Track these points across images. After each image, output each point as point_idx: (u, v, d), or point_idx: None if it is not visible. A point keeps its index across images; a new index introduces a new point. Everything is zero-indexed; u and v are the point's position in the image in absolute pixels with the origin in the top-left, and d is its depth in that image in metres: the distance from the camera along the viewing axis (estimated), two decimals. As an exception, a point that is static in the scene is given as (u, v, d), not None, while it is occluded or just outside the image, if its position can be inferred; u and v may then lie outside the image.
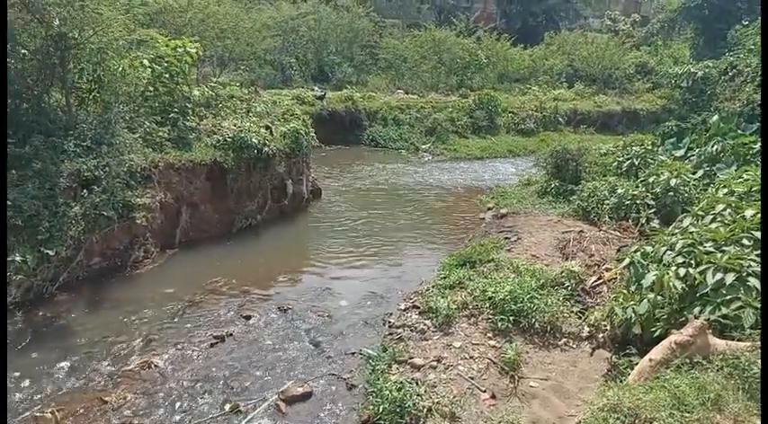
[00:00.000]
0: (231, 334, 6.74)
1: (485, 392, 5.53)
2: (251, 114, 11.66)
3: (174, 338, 6.63)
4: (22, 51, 7.97)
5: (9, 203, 6.76)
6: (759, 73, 14.26)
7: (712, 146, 11.56)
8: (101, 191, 7.64)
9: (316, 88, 20.88)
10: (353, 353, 6.50)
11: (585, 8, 44.06)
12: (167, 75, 9.92)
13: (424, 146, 19.36)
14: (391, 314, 7.38)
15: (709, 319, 5.04)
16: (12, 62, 7.92)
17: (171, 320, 7.05)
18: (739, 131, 12.14)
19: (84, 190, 7.58)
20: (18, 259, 6.60)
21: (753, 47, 15.08)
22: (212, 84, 12.07)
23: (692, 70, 17.56)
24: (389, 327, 7.04)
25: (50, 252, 6.97)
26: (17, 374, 5.76)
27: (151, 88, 9.69)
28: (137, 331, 6.75)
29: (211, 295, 7.76)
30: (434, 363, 6.04)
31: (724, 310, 5.10)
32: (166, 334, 6.72)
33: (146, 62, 9.42)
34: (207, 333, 6.73)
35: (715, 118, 13.19)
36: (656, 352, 4.77)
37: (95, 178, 7.68)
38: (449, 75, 26.27)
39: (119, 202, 7.90)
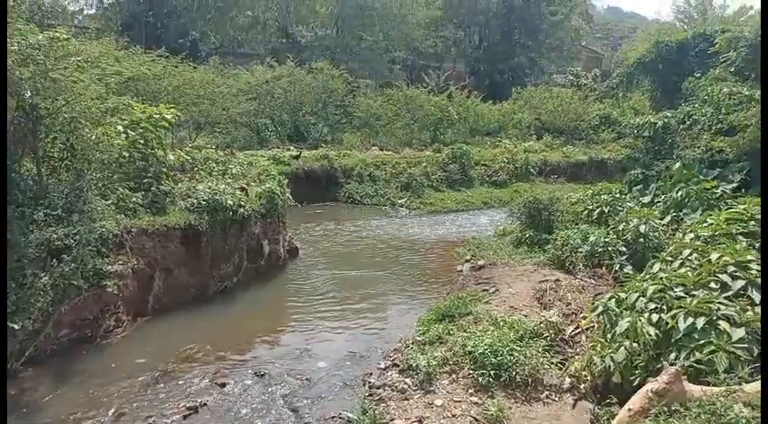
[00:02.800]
0: (205, 404, 6.50)
1: (468, 452, 5.39)
2: (226, 176, 11.75)
3: (145, 411, 6.36)
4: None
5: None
6: (714, 122, 15.00)
7: (677, 192, 11.95)
8: (71, 260, 7.49)
9: (292, 148, 21.24)
10: (333, 417, 6.31)
11: (549, 65, 46.28)
12: (142, 141, 10.00)
13: (400, 201, 19.60)
14: (371, 374, 7.23)
15: (683, 365, 5.07)
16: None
17: (142, 392, 6.79)
18: (701, 177, 12.60)
19: (54, 260, 7.42)
20: (-19, 334, 6.36)
21: (706, 97, 15.92)
22: (188, 149, 12.19)
23: (651, 120, 18.35)
24: (369, 388, 6.89)
25: (16, 326, 6.71)
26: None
27: (126, 154, 9.73)
28: (106, 405, 6.46)
29: (185, 364, 7.52)
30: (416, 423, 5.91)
31: (698, 355, 5.14)
32: (138, 407, 6.44)
33: (120, 128, 9.49)
34: (180, 404, 6.47)
35: (677, 165, 13.69)
36: (634, 401, 4.75)
37: (66, 247, 7.54)
38: (422, 131, 27.02)
39: (89, 270, 7.73)
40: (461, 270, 11.83)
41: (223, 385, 6.93)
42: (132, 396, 6.67)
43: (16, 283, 6.95)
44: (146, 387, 6.88)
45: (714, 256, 6.49)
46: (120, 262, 8.28)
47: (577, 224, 12.07)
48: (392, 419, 6.01)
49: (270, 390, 6.89)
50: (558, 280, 9.71)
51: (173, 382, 7.03)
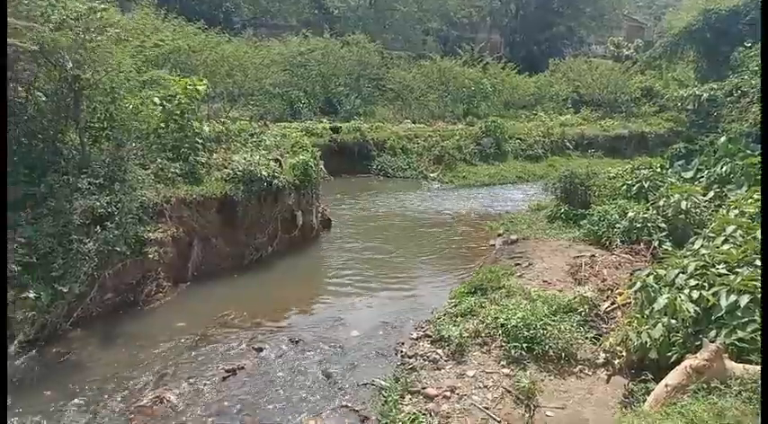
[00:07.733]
0: (243, 367, 6.71)
1: (500, 422, 5.44)
2: (261, 148, 11.85)
3: (186, 372, 6.62)
4: (37, 94, 8.22)
5: (24, 241, 6.88)
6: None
7: (721, 167, 11.53)
8: (114, 227, 7.75)
9: (324, 120, 21.26)
10: (366, 384, 6.44)
11: (589, 35, 44.67)
12: (178, 113, 10.16)
13: (432, 175, 19.47)
14: (403, 344, 7.32)
15: (725, 342, 4.96)
16: (29, 105, 8.17)
17: (183, 354, 7.04)
18: (748, 152, 12.08)
19: (98, 227, 7.68)
20: (32, 296, 6.67)
21: (756, 68, 15.16)
22: (222, 120, 12.31)
23: (697, 93, 17.65)
24: (401, 357, 6.99)
25: (64, 289, 7.03)
26: (30, 411, 5.76)
27: (163, 125, 9.91)
28: (149, 365, 6.75)
29: (223, 329, 7.77)
30: (448, 393, 5.97)
31: (740, 333, 5.02)
32: (179, 369, 6.70)
33: (156, 100, 9.63)
34: (219, 367, 6.71)
35: (723, 139, 13.18)
36: (672, 377, 4.69)
37: (108, 214, 7.80)
38: (455, 104, 26.57)
39: (131, 237, 8.00)
40: (494, 244, 11.75)
41: (260, 350, 7.13)
42: (173, 358, 6.93)
43: (63, 248, 7.23)
44: (186, 350, 7.14)
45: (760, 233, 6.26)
46: (160, 230, 8.53)
47: (615, 199, 11.80)
48: (424, 388, 6.09)
49: (304, 356, 7.06)
50: (593, 256, 9.55)
51: (211, 345, 7.27)
